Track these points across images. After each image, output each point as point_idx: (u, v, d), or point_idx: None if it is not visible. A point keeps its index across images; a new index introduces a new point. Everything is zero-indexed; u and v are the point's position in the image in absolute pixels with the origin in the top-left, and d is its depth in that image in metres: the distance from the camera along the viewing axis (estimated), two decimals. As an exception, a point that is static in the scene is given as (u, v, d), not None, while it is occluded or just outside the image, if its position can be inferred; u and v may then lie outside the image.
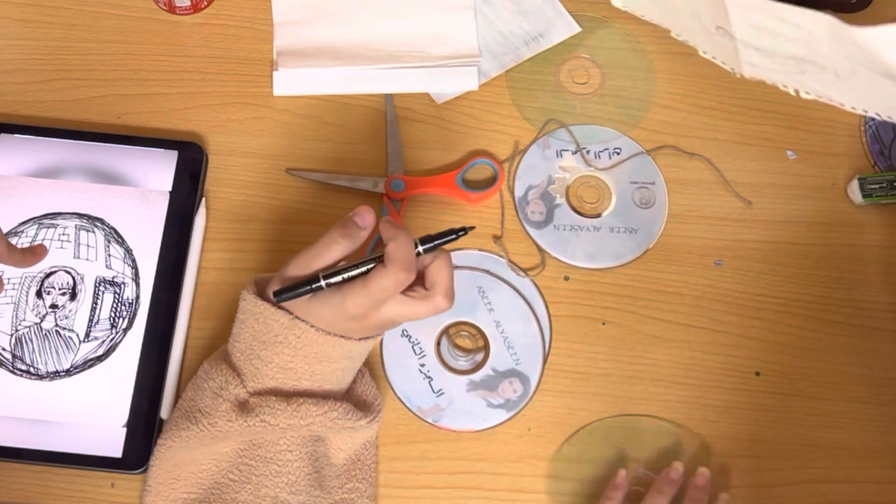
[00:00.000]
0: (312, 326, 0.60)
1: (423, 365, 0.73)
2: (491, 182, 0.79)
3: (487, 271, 0.75)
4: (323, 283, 0.59)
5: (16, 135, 0.77)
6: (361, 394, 0.67)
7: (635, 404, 0.73)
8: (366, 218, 0.60)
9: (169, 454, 0.65)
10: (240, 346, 0.63)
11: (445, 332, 0.74)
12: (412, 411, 0.71)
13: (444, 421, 0.71)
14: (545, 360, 0.73)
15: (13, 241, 0.73)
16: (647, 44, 0.85)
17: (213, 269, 0.75)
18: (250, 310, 0.61)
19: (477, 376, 0.73)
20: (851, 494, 0.71)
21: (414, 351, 0.73)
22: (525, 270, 0.76)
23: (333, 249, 0.59)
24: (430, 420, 0.71)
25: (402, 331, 0.73)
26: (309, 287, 0.59)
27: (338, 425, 0.63)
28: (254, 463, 0.64)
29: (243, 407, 0.61)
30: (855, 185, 0.79)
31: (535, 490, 0.70)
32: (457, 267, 0.74)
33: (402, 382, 0.72)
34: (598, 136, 0.81)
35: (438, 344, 0.74)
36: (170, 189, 0.76)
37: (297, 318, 0.60)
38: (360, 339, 0.62)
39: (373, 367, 0.73)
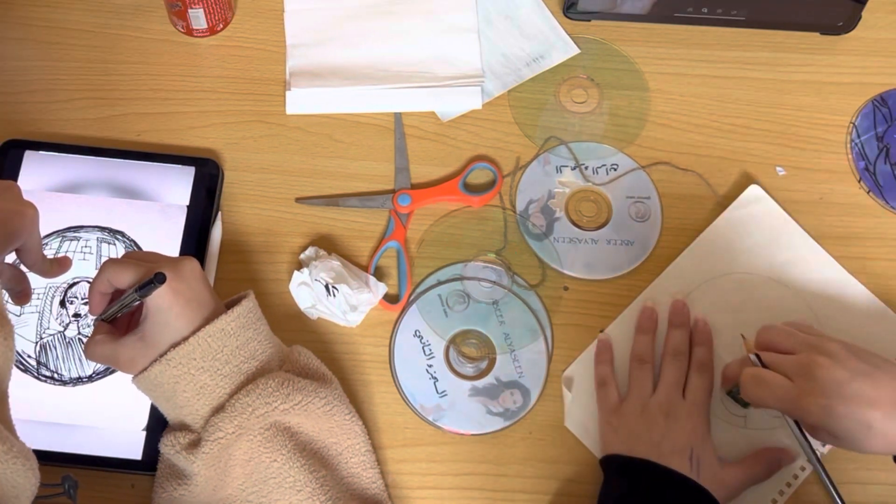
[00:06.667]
0: (174, 347, 0.62)
1: (430, 366, 0.76)
2: (491, 185, 0.82)
3: (504, 286, 0.78)
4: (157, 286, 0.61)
5: (40, 152, 0.79)
6: (306, 367, 0.69)
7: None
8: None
9: None
10: (169, 415, 0.66)
11: (455, 338, 0.77)
12: (414, 408, 0.74)
13: (443, 421, 0.74)
14: (548, 376, 0.76)
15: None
16: (643, 64, 0.88)
17: (228, 281, 0.78)
18: (143, 388, 0.64)
19: (480, 383, 0.75)
20: None
21: (424, 352, 0.76)
22: (530, 284, 0.79)
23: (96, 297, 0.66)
24: (430, 418, 0.74)
25: (416, 331, 0.76)
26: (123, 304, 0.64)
27: (283, 394, 0.64)
28: (256, 488, 0.66)
29: (196, 444, 0.64)
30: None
31: (537, 491, 0.72)
32: (477, 279, 0.78)
33: (408, 379, 0.75)
34: (595, 153, 0.84)
35: (448, 348, 0.77)
36: (187, 203, 0.79)
37: (162, 356, 0.62)
38: (212, 318, 0.63)
39: (382, 361, 0.75)
